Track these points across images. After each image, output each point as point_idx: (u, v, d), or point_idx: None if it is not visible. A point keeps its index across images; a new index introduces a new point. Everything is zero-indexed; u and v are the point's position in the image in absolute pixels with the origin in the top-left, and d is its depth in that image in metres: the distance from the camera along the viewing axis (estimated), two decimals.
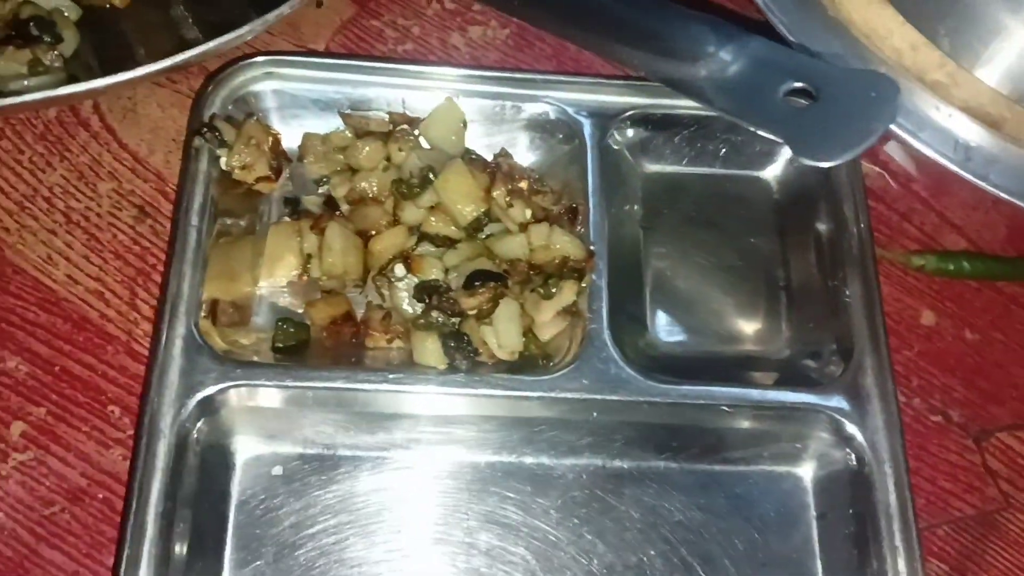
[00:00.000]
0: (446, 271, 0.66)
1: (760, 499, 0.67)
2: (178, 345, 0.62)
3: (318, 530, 0.63)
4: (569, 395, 0.63)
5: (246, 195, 0.70)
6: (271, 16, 0.70)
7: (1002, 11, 0.71)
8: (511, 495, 0.65)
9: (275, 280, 0.69)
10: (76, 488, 0.63)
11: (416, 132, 0.72)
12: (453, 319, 0.65)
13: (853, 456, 0.65)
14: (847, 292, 0.69)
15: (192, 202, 0.66)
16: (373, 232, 0.68)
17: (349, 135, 0.72)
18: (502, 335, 0.64)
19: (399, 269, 0.66)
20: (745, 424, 0.66)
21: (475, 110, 0.72)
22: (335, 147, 0.72)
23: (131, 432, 0.64)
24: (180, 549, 0.59)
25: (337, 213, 0.69)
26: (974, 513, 0.69)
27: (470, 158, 0.71)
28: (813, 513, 0.67)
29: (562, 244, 0.67)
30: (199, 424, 0.61)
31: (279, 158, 0.71)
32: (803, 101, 0.64)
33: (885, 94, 0.62)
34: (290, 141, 0.72)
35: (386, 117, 0.72)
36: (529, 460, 0.66)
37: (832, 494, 0.66)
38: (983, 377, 0.73)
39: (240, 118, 0.70)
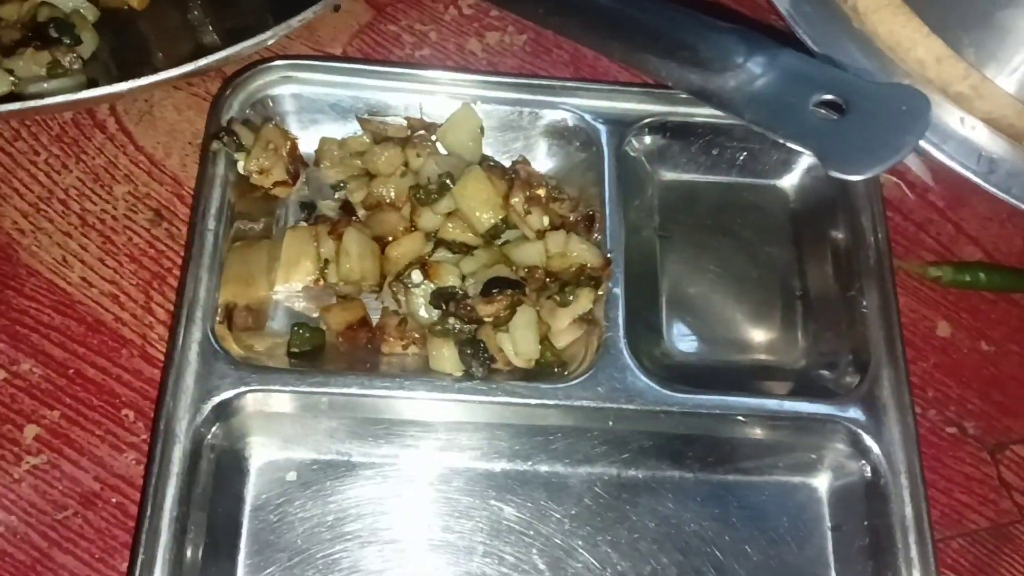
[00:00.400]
0: (463, 278, 0.66)
1: (775, 510, 0.67)
2: (194, 349, 0.62)
3: (333, 536, 0.63)
4: (585, 403, 0.63)
5: (263, 199, 0.70)
6: (294, 21, 0.71)
7: None
8: (526, 503, 0.65)
9: (291, 285, 0.68)
10: (89, 492, 0.62)
11: (433, 138, 0.72)
12: (469, 326, 0.65)
13: (869, 468, 0.64)
14: (864, 303, 0.69)
15: (209, 206, 0.66)
16: (390, 238, 0.68)
17: (367, 140, 0.72)
18: (519, 342, 0.64)
19: (416, 275, 0.66)
20: (760, 434, 0.66)
21: (492, 116, 0.72)
22: (352, 152, 0.72)
23: (145, 436, 0.64)
24: (194, 554, 0.59)
25: (354, 218, 0.69)
26: (988, 526, 0.69)
27: (488, 165, 0.71)
28: (828, 524, 0.66)
29: (579, 252, 0.67)
30: (214, 429, 0.61)
31: (296, 162, 0.71)
32: (830, 113, 0.63)
33: (916, 108, 0.62)
34: (307, 146, 0.72)
35: (404, 122, 0.72)
36: (544, 468, 0.66)
37: (847, 505, 0.66)
38: (998, 389, 0.73)
39: (258, 122, 0.70)
